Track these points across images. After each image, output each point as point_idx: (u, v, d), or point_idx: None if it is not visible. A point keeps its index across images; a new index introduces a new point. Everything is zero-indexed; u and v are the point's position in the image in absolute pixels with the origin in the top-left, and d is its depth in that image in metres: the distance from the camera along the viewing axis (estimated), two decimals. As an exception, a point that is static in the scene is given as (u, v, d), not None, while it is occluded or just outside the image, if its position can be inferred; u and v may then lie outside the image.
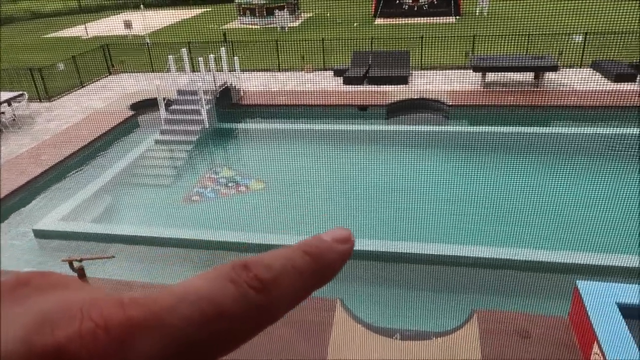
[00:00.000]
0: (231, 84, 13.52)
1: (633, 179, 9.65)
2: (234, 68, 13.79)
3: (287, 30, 24.41)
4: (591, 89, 12.96)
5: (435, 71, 15.49)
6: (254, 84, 15.21)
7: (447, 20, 24.68)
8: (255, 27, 25.75)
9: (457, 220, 8.62)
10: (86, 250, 7.89)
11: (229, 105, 13.30)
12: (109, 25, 27.91)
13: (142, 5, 26.39)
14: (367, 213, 8.97)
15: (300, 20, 27.33)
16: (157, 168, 11.00)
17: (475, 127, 12.12)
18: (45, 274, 0.31)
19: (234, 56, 14.39)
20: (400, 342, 5.77)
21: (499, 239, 7.93)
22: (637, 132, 10.96)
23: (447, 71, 15.39)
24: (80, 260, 4.91)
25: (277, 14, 25.26)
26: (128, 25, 23.57)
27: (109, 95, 15.36)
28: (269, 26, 25.31)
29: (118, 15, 29.13)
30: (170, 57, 12.90)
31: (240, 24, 26.91)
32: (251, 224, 8.82)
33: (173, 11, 34.55)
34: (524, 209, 8.75)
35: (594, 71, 14.37)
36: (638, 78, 13.44)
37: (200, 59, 12.99)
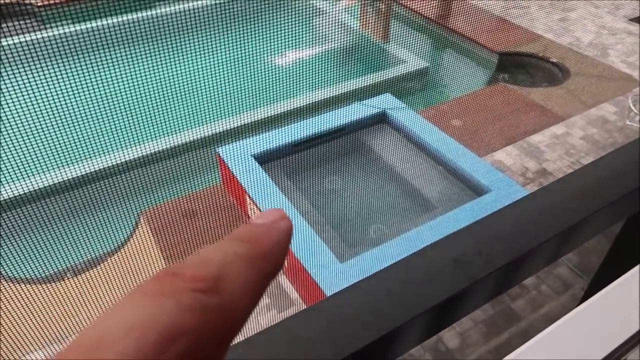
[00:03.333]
0: None
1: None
2: None
3: None
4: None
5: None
6: None
7: None
8: None
9: (101, 128, 8.01)
10: None
11: None
12: None
13: None
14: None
15: None
16: None
17: (85, 24, 10.89)
18: None
19: None
20: (76, 278, 5.32)
21: (142, 135, 7.78)
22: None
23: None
24: None
25: None
26: None
27: None
28: None
29: None
30: None
31: None
32: None
33: None
34: (160, 99, 8.72)
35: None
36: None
37: None
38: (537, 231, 0.54)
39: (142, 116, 8.33)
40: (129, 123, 8.12)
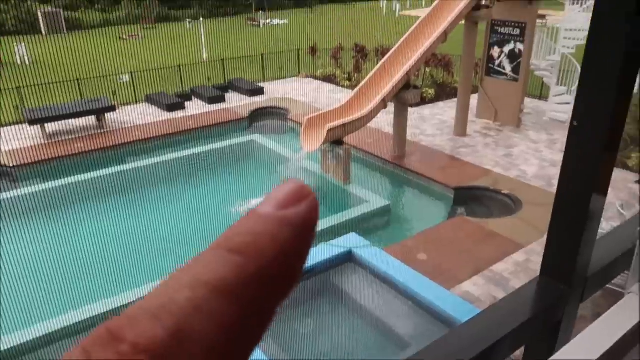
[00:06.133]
0: None
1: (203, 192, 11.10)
2: None
3: None
4: (149, 121, 14.12)
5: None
6: None
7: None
8: None
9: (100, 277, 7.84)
10: None
11: None
12: None
13: None
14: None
15: None
16: None
17: (50, 183, 11.22)
18: None
19: None
20: None
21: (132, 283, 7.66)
22: (198, 151, 12.69)
23: (1, 129, 13.62)
24: None
25: None
26: None
27: None
28: None
29: None
30: None
31: None
32: None
33: None
34: (146, 247, 8.74)
35: (149, 104, 15.67)
36: (186, 105, 15.48)
37: None
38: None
39: (125, 264, 8.28)
40: (112, 272, 8.01)
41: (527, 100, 14.61)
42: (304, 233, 0.20)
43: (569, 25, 12.97)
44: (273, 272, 0.19)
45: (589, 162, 0.74)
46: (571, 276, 0.81)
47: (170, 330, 0.17)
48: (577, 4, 13.27)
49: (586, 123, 0.73)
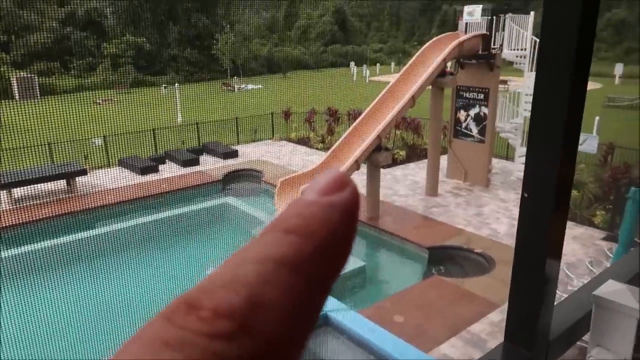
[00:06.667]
0: None
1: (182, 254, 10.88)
2: None
3: None
4: (121, 185, 13.96)
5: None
6: None
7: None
8: None
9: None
10: None
11: None
12: None
13: None
14: None
15: None
16: None
17: (14, 249, 10.83)
18: None
19: None
20: None
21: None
22: (170, 214, 12.53)
23: (-37, 196, 13.23)
24: None
25: None
26: None
27: None
28: None
29: None
30: None
31: None
32: None
33: None
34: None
35: (122, 168, 15.57)
36: (160, 168, 15.44)
37: None
38: None
39: (95, 332, 7.88)
40: (81, 341, 7.61)
41: (494, 160, 15.11)
42: (349, 216, 0.22)
43: (529, 90, 13.70)
44: (326, 251, 0.21)
45: (541, 231, 0.79)
46: (533, 341, 0.83)
47: (245, 298, 0.19)
48: (534, 70, 14.09)
49: (536, 194, 0.78)
